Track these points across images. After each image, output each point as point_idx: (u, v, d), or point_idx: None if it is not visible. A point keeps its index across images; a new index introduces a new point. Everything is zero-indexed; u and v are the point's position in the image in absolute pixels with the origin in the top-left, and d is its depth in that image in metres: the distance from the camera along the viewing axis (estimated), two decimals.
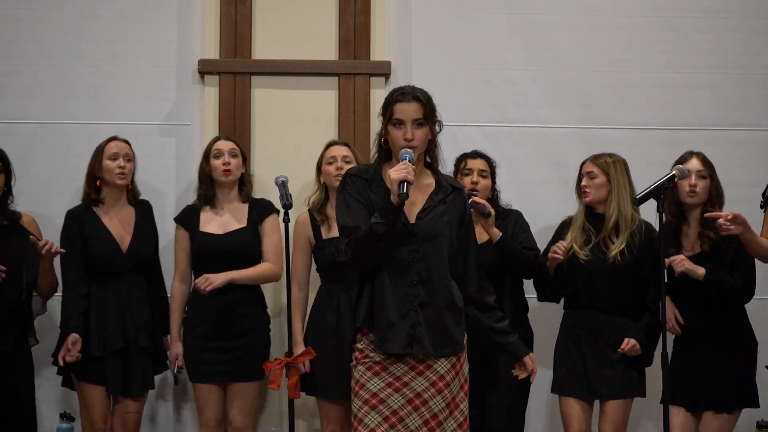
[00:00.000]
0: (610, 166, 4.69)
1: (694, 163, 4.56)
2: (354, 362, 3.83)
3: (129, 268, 4.76)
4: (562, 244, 4.63)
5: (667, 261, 4.42)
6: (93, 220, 4.77)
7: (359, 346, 3.82)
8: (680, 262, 4.45)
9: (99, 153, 4.80)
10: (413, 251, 3.74)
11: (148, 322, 4.76)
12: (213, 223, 4.85)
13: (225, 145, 4.88)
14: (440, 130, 3.89)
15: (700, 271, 4.44)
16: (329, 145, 4.94)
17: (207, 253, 4.80)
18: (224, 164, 4.83)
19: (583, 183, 4.71)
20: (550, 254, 4.65)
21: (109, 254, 4.73)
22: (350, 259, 3.76)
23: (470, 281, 3.88)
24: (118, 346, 4.68)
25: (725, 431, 4.48)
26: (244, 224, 4.85)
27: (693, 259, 4.51)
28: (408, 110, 3.78)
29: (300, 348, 4.76)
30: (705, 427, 4.47)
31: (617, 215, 4.62)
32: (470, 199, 4.59)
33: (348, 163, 4.79)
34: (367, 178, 3.83)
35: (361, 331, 3.81)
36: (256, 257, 4.86)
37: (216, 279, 4.70)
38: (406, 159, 3.67)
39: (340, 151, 4.87)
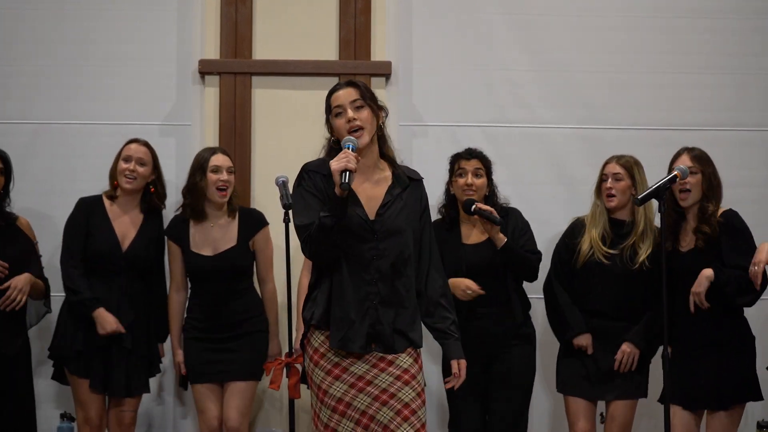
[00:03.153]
0: (634, 167, 4.69)
1: (684, 160, 4.54)
2: (309, 362, 3.74)
3: (126, 269, 4.75)
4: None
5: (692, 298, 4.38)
6: (101, 213, 4.79)
7: (314, 343, 3.72)
8: (697, 295, 4.38)
9: (119, 152, 4.82)
10: (373, 248, 3.67)
11: (135, 325, 4.73)
12: (203, 242, 4.83)
13: (223, 162, 4.83)
14: (386, 117, 3.80)
15: (708, 273, 4.35)
16: None
17: (199, 273, 4.81)
18: (222, 181, 4.80)
19: (609, 185, 4.67)
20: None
21: (107, 250, 4.73)
22: (309, 256, 3.70)
23: (425, 277, 3.78)
24: (100, 343, 4.67)
25: (732, 428, 4.46)
26: (234, 243, 4.84)
27: (688, 254, 4.49)
28: (343, 95, 3.71)
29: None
30: (710, 426, 4.45)
31: (645, 220, 4.63)
32: (474, 206, 4.57)
33: None
34: (326, 173, 3.68)
35: (319, 329, 3.70)
36: (247, 272, 4.90)
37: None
38: (348, 147, 3.58)
39: None
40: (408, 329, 3.70)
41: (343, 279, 3.66)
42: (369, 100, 3.72)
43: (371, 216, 3.69)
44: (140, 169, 4.78)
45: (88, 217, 4.77)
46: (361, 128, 3.67)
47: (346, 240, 3.64)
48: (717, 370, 4.43)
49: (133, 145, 4.82)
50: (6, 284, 4.63)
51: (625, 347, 4.58)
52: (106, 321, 4.65)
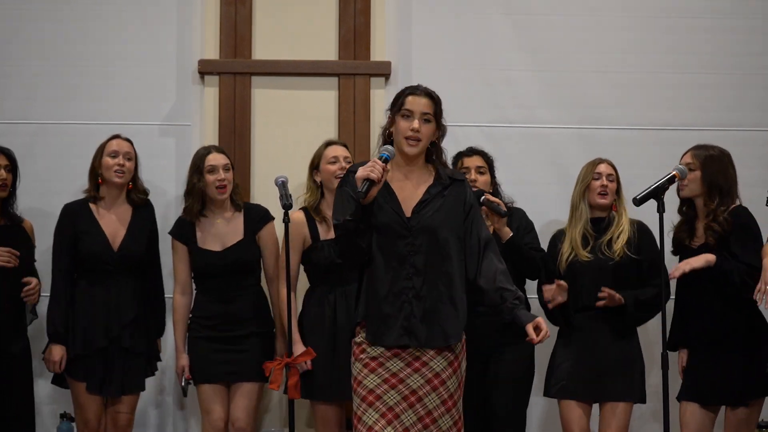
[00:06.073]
0: (616, 170, 4.77)
1: (686, 158, 4.58)
2: (353, 358, 3.86)
3: (119, 267, 4.75)
4: (549, 290, 4.62)
5: (672, 274, 4.41)
6: (88, 216, 4.79)
7: (357, 340, 3.86)
8: (682, 267, 4.41)
9: (101, 150, 4.82)
10: (409, 244, 3.78)
11: (134, 323, 4.73)
12: (210, 238, 4.82)
13: (219, 160, 4.81)
14: (443, 135, 3.91)
15: (710, 257, 4.38)
16: (328, 144, 4.92)
17: (208, 269, 4.80)
18: (219, 180, 4.78)
19: (604, 183, 4.70)
20: (549, 304, 4.64)
21: (99, 251, 4.73)
22: (337, 255, 3.90)
23: (476, 271, 3.84)
24: (101, 345, 4.68)
25: (750, 424, 4.46)
26: (241, 236, 4.83)
27: (698, 251, 4.48)
28: (419, 103, 3.84)
29: (299, 347, 4.76)
30: (730, 422, 4.45)
31: (623, 215, 4.69)
32: (483, 197, 4.58)
33: (349, 164, 4.77)
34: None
35: (360, 325, 3.85)
36: (255, 267, 4.88)
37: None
38: (382, 156, 3.74)
39: (342, 151, 4.86)
40: (444, 323, 3.78)
41: (380, 275, 3.79)
42: (437, 116, 3.86)
43: (407, 213, 3.81)
44: (128, 164, 4.80)
45: (74, 223, 4.78)
46: (419, 140, 3.80)
47: (384, 237, 3.78)
48: (733, 365, 4.42)
49: (119, 141, 4.82)
50: (27, 279, 4.72)
51: (610, 291, 4.54)
52: (55, 353, 4.68)
